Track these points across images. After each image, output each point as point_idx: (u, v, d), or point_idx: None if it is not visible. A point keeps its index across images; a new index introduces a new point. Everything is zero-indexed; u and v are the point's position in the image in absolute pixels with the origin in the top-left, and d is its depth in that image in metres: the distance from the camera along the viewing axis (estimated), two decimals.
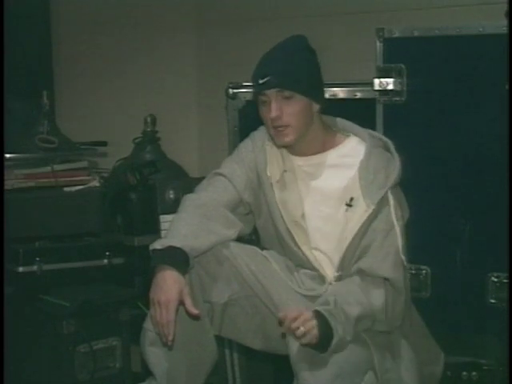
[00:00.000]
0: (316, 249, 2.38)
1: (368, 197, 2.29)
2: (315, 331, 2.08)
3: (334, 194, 2.34)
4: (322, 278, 2.37)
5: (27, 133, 3.19)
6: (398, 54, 2.83)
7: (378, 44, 2.84)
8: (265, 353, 2.44)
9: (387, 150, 2.37)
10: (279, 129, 2.32)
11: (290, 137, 2.33)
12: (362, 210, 2.29)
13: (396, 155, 2.35)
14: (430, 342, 2.46)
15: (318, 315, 2.12)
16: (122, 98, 3.93)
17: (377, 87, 2.84)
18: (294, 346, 2.16)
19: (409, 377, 2.27)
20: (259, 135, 2.49)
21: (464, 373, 2.56)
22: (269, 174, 2.41)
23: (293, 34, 2.42)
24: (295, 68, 2.30)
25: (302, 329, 2.07)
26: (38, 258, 2.98)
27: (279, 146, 2.40)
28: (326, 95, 2.89)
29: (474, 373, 2.56)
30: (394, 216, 2.29)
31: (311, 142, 2.38)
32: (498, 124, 2.68)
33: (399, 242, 2.27)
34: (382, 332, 2.28)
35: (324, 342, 2.11)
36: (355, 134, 2.41)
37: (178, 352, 2.30)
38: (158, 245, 2.26)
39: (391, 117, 2.81)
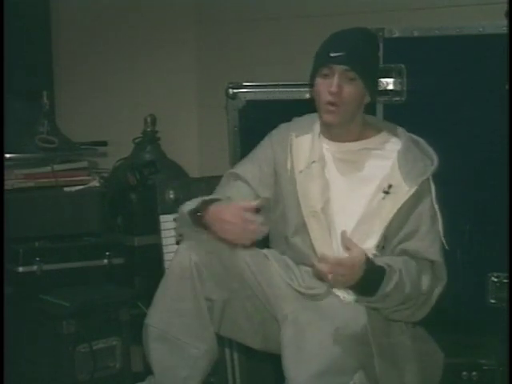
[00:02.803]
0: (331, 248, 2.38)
1: (409, 180, 2.34)
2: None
3: (370, 181, 2.38)
4: None
5: (27, 133, 3.19)
6: (398, 54, 2.83)
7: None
8: (265, 352, 2.45)
9: (419, 149, 2.43)
10: (331, 106, 2.35)
11: (338, 117, 2.37)
12: (403, 193, 2.33)
13: (431, 150, 2.42)
14: (430, 345, 2.46)
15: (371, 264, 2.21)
16: (122, 98, 3.93)
17: None
18: (285, 344, 2.19)
19: (405, 361, 2.29)
20: (280, 131, 2.53)
21: (464, 373, 2.56)
22: (289, 166, 2.44)
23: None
24: (367, 56, 2.39)
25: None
26: (37, 258, 2.98)
27: (324, 125, 2.43)
28: None
29: (474, 373, 2.56)
30: (436, 204, 2.36)
31: (351, 130, 2.44)
32: (498, 124, 2.69)
33: (440, 227, 2.35)
34: (388, 336, 2.30)
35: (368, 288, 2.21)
36: (388, 130, 2.48)
37: (180, 349, 2.31)
38: (188, 206, 2.35)
39: (391, 117, 2.80)
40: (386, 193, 2.35)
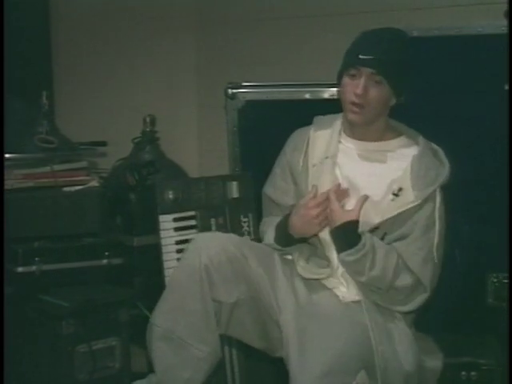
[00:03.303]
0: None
1: (417, 189, 2.35)
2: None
3: (382, 182, 2.40)
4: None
5: (26, 133, 3.18)
6: None
7: None
8: (265, 353, 2.45)
9: (435, 157, 2.44)
10: (355, 107, 2.37)
11: (362, 117, 2.39)
12: (408, 200, 2.35)
13: (446, 161, 2.43)
14: (429, 344, 2.48)
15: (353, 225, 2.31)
16: (122, 98, 3.93)
17: None
18: (287, 345, 2.20)
19: (407, 360, 2.29)
20: (296, 133, 2.59)
21: (463, 373, 2.56)
22: (302, 160, 2.49)
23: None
24: (396, 59, 2.37)
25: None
26: (37, 258, 2.98)
27: (349, 123, 2.45)
28: (326, 95, 2.90)
29: (473, 373, 2.56)
30: (438, 214, 2.36)
31: (373, 130, 2.46)
32: (497, 124, 2.69)
33: (436, 239, 2.35)
34: (388, 334, 2.31)
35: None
36: (409, 135, 2.50)
37: (184, 349, 2.32)
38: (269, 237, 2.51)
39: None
40: (396, 195, 2.37)
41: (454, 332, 2.75)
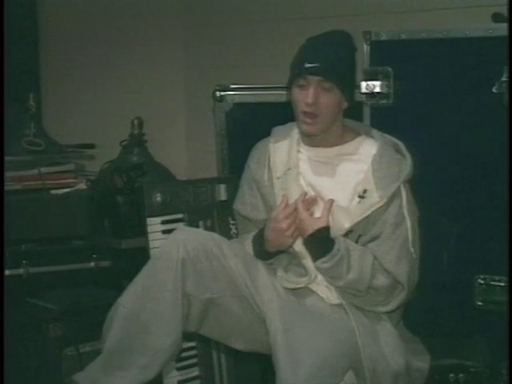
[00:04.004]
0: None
1: (381, 189, 2.35)
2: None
3: (347, 186, 2.39)
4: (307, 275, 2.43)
5: (14, 135, 3.17)
6: (385, 56, 2.84)
7: (364, 47, 2.85)
8: (253, 354, 2.46)
9: (397, 151, 2.43)
10: (308, 117, 2.37)
11: (317, 127, 2.39)
12: (373, 201, 2.34)
13: (408, 155, 2.42)
14: (416, 345, 2.48)
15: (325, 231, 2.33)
16: (109, 101, 3.93)
17: (364, 90, 2.84)
18: (275, 347, 2.20)
19: (394, 360, 2.30)
20: (257, 146, 2.58)
21: (451, 375, 2.56)
22: (266, 174, 2.49)
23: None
24: (342, 63, 2.37)
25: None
26: (24, 261, 2.97)
27: (304, 135, 2.46)
28: None
29: (461, 375, 2.56)
30: (406, 209, 2.36)
31: (330, 136, 2.45)
32: (485, 126, 2.70)
33: (409, 235, 2.34)
34: (374, 335, 2.32)
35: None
36: (366, 133, 2.49)
37: (145, 336, 2.31)
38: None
39: (378, 119, 2.81)
40: (362, 197, 2.37)
41: (441, 334, 2.75)
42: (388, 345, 2.32)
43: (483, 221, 2.74)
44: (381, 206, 2.34)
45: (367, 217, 2.35)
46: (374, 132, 2.49)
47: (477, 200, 2.75)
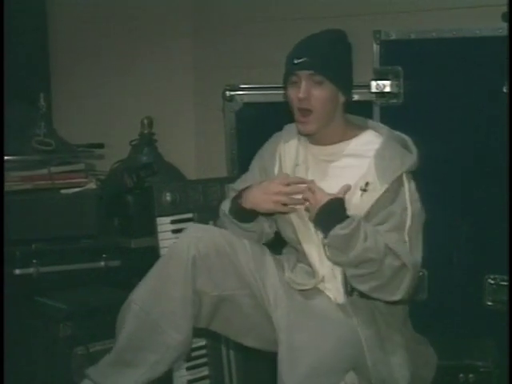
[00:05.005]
0: (316, 244, 2.39)
1: (382, 178, 2.32)
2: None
3: (350, 182, 2.36)
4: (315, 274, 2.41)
5: (24, 135, 3.18)
6: (395, 56, 2.84)
7: (374, 46, 2.85)
8: (261, 351, 2.45)
9: (404, 147, 2.40)
10: (302, 115, 2.36)
11: (313, 125, 2.37)
12: (376, 191, 2.32)
13: (415, 149, 2.38)
14: (422, 347, 2.46)
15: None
16: (119, 100, 3.93)
17: (374, 89, 2.84)
18: (280, 345, 2.19)
19: (400, 373, 2.28)
20: (272, 140, 2.56)
21: (461, 375, 2.56)
22: (276, 171, 2.48)
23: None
24: (331, 56, 2.35)
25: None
26: (34, 261, 2.98)
27: (302, 135, 2.45)
28: None
29: (470, 375, 2.56)
30: (409, 197, 2.32)
31: (332, 133, 2.42)
32: (495, 125, 2.69)
33: (408, 221, 2.29)
34: (379, 336, 2.30)
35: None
36: (373, 129, 2.46)
37: (156, 333, 2.32)
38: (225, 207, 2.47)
39: (388, 119, 2.80)
40: (364, 190, 2.34)
41: (451, 334, 2.74)
42: (395, 354, 2.31)
43: (494, 221, 2.74)
44: (387, 199, 2.31)
45: (371, 209, 2.31)
46: (381, 127, 2.47)
47: (487, 199, 2.75)
